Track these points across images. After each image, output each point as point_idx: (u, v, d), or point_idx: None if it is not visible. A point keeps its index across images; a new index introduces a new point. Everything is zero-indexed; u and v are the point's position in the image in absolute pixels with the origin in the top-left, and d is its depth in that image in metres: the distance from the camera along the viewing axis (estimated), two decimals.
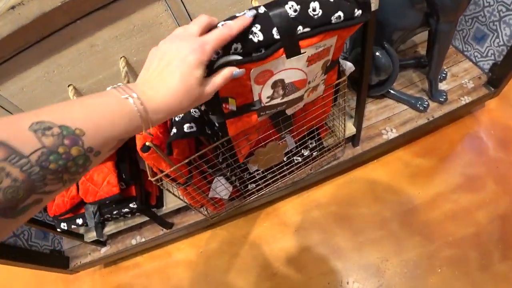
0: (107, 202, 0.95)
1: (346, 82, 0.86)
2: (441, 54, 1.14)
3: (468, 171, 1.31)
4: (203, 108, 0.74)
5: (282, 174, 1.09)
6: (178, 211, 1.26)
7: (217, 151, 0.84)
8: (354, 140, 1.22)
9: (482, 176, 1.28)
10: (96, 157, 0.35)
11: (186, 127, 0.71)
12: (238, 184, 1.03)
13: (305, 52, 0.62)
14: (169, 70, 0.43)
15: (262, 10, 0.57)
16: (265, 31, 0.57)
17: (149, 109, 0.40)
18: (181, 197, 0.92)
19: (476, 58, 1.40)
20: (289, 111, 0.80)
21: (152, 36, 0.61)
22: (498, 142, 1.35)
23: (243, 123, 0.74)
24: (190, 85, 0.44)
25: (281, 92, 0.70)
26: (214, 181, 0.95)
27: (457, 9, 0.99)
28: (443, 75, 1.37)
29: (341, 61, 0.81)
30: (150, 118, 0.40)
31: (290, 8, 0.58)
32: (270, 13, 0.57)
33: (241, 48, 0.57)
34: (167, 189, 0.83)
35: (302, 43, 0.61)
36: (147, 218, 1.13)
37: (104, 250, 1.28)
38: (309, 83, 0.72)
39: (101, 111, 0.36)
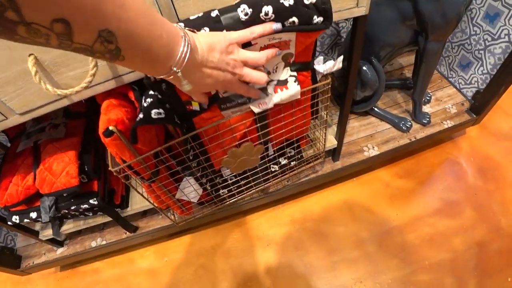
0: (64, 195, 0.87)
1: (328, 92, 0.83)
2: (427, 73, 1.13)
3: (446, 196, 1.29)
4: (167, 106, 0.70)
5: (256, 181, 1.04)
6: (144, 214, 1.19)
7: (187, 146, 0.77)
8: (334, 154, 1.18)
9: (460, 202, 1.26)
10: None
11: (153, 112, 0.66)
12: (208, 188, 0.97)
13: (256, 43, 0.61)
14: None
15: (214, 13, 0.59)
16: (215, 30, 0.58)
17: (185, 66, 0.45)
18: (145, 194, 0.85)
19: (460, 84, 1.40)
20: (254, 108, 0.75)
21: None
22: (477, 169, 1.34)
23: (210, 118, 0.73)
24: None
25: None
26: (183, 181, 0.88)
27: (447, 28, 0.99)
28: (428, 98, 1.37)
29: (316, 66, 0.78)
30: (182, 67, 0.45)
31: (242, 11, 0.58)
32: (222, 17, 0.58)
33: None
34: (129, 183, 0.75)
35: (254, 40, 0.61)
36: (109, 219, 1.05)
37: (60, 251, 1.18)
38: (268, 73, 0.70)
39: (154, 49, 0.41)
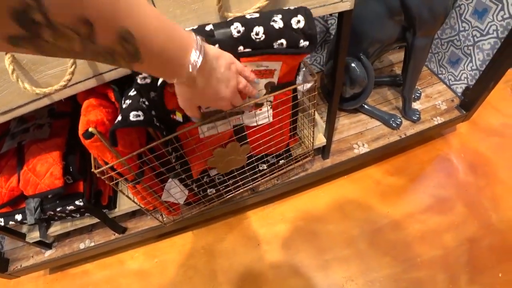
0: (49, 196, 0.85)
1: (316, 89, 0.84)
2: (416, 70, 1.13)
3: (437, 192, 1.28)
4: (153, 112, 0.70)
5: (244, 181, 1.03)
6: (133, 214, 1.17)
7: (169, 147, 0.76)
8: (324, 152, 1.18)
9: (451, 199, 1.26)
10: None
11: (132, 115, 0.65)
12: (195, 188, 0.95)
13: (245, 66, 0.65)
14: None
15: (209, 27, 0.62)
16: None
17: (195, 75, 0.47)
18: (130, 195, 0.83)
19: (450, 81, 1.40)
20: (232, 121, 0.80)
21: None
22: (468, 165, 1.35)
23: (190, 130, 0.75)
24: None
25: None
26: (168, 181, 0.87)
27: (434, 23, 0.98)
28: (417, 94, 1.37)
29: (299, 88, 0.84)
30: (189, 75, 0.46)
31: (235, 28, 0.62)
32: (215, 32, 0.62)
33: None
34: (113, 185, 0.74)
35: (242, 60, 0.66)
36: (97, 220, 1.04)
37: (48, 253, 1.16)
38: (249, 97, 0.74)
39: (170, 53, 0.42)
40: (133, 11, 0.35)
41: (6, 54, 0.56)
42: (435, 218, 1.22)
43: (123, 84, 0.73)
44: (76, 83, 0.64)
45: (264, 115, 0.83)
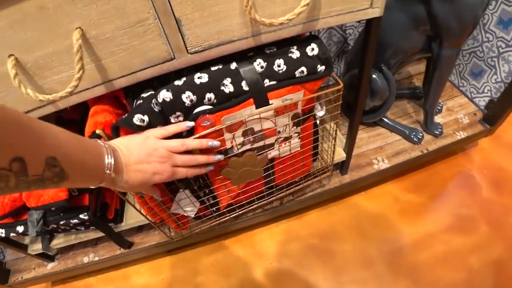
0: (52, 209, 0.81)
1: (339, 99, 0.80)
2: (441, 82, 1.07)
3: (460, 211, 1.21)
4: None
5: (259, 195, 0.97)
6: (140, 229, 1.12)
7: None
8: (342, 167, 1.12)
9: (474, 218, 1.19)
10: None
11: (136, 118, 0.62)
12: (206, 201, 0.90)
13: (272, 103, 0.71)
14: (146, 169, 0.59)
15: (233, 66, 0.67)
16: (235, 83, 0.66)
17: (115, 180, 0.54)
18: (137, 206, 0.78)
19: (472, 94, 1.35)
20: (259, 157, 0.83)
21: (116, 6, 0.50)
22: (491, 182, 1.28)
23: (216, 166, 0.76)
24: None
25: (251, 139, 0.77)
26: (178, 192, 0.82)
27: (462, 34, 0.93)
28: (439, 107, 1.31)
29: (316, 112, 0.86)
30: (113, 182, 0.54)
31: (258, 65, 0.67)
32: (240, 69, 0.67)
33: (214, 98, 0.66)
34: (118, 193, 0.69)
35: (270, 95, 0.70)
36: (102, 234, 0.99)
37: (51, 266, 1.11)
38: (279, 132, 0.79)
39: (88, 174, 0.49)
40: (54, 139, 0.41)
41: (9, 56, 0.52)
42: (458, 239, 1.15)
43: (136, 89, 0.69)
44: (83, 90, 0.59)
45: (294, 146, 0.86)
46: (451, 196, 1.26)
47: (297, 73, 0.70)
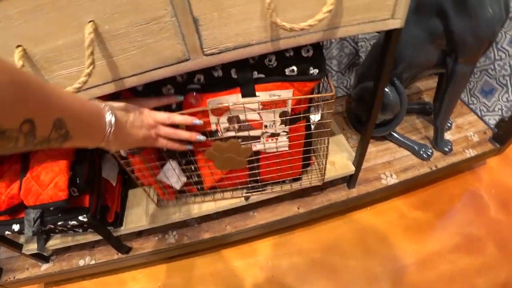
0: (50, 208, 0.78)
1: (332, 107, 0.78)
2: (454, 98, 1.05)
3: (467, 230, 1.19)
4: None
5: (243, 186, 0.98)
6: (139, 234, 1.09)
7: None
8: (350, 181, 1.09)
9: (482, 238, 1.16)
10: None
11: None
12: (191, 178, 0.92)
13: (259, 96, 0.72)
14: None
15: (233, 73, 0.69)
16: (225, 69, 0.69)
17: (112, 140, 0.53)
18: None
19: (482, 112, 1.33)
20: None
21: (132, 1, 0.48)
22: (500, 202, 1.25)
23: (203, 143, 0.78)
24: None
25: (236, 126, 0.78)
26: (167, 164, 0.85)
27: (479, 50, 0.91)
28: (449, 124, 1.29)
29: (311, 116, 0.87)
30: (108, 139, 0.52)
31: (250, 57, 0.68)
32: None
33: (203, 80, 0.70)
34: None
35: (257, 87, 0.71)
36: (100, 237, 0.95)
37: (45, 267, 1.08)
38: (265, 126, 0.80)
39: (90, 129, 0.49)
40: (61, 101, 0.41)
41: (17, 47, 0.50)
42: (464, 259, 1.12)
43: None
44: (92, 87, 0.57)
45: (281, 144, 0.85)
46: (458, 214, 1.23)
47: (287, 71, 0.70)
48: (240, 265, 1.16)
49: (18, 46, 0.50)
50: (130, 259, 1.06)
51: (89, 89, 0.57)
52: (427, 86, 1.46)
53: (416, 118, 1.34)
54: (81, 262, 1.06)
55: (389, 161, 1.19)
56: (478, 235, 1.17)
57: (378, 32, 0.73)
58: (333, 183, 1.12)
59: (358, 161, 1.00)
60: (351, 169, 1.03)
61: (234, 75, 0.70)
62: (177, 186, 0.91)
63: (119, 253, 1.05)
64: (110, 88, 0.58)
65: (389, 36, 0.69)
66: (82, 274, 1.13)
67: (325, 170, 0.96)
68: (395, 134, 1.21)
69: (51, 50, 0.51)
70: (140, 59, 0.54)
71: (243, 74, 0.70)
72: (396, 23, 0.64)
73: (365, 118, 0.90)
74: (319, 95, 0.78)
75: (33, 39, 0.50)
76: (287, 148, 0.87)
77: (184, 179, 0.91)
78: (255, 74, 0.70)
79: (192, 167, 0.89)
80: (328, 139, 0.86)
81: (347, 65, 1.33)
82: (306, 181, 1.00)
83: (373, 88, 0.82)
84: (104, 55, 0.53)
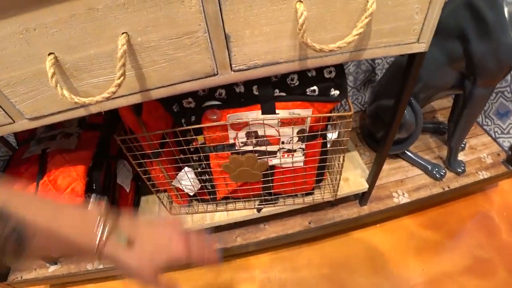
0: None
1: (349, 126, 0.78)
2: (470, 120, 1.05)
3: (478, 253, 1.17)
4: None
5: (256, 197, 0.99)
6: None
7: (188, 136, 0.78)
8: (362, 198, 1.09)
9: (493, 261, 1.15)
10: (25, 259, 0.35)
11: None
12: (205, 187, 0.93)
13: (278, 113, 0.73)
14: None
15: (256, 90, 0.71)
16: (247, 86, 0.70)
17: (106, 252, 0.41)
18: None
19: (496, 133, 1.32)
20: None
21: (167, 15, 0.49)
22: (511, 225, 1.23)
23: (218, 158, 0.82)
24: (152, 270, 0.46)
25: (254, 141, 0.79)
26: (182, 170, 0.86)
27: (498, 74, 0.91)
28: (462, 145, 1.28)
29: (328, 135, 0.87)
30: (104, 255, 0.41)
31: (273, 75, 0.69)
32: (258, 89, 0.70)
33: (225, 94, 0.71)
34: (130, 156, 0.74)
35: (277, 105, 0.72)
36: None
37: (53, 269, 1.08)
38: (282, 142, 0.80)
39: (64, 229, 0.38)
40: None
41: (49, 54, 0.51)
42: (474, 282, 1.10)
43: None
44: (119, 96, 0.58)
45: (297, 160, 0.86)
46: (469, 236, 1.22)
47: (308, 91, 0.71)
48: (248, 277, 1.15)
49: (50, 53, 0.51)
50: None
51: (115, 99, 0.58)
52: (441, 105, 1.45)
53: (429, 137, 1.33)
54: (89, 266, 1.06)
55: (401, 180, 1.18)
56: (488, 258, 1.16)
57: (402, 55, 0.74)
58: (344, 200, 1.12)
59: (372, 179, 1.00)
60: (365, 186, 1.02)
61: (255, 92, 0.71)
62: (190, 192, 0.92)
63: None
64: (136, 99, 0.59)
65: (412, 59, 0.69)
66: (89, 278, 1.13)
67: (338, 186, 0.95)
68: (408, 153, 1.21)
69: (82, 59, 0.52)
70: (169, 72, 0.55)
71: (264, 91, 0.71)
72: (421, 47, 0.65)
73: (382, 137, 0.90)
74: (337, 114, 0.78)
75: (65, 47, 0.50)
76: (302, 164, 0.87)
77: (198, 186, 0.92)
78: (277, 92, 0.71)
79: (207, 176, 0.90)
80: (343, 156, 0.86)
81: (363, 81, 1.33)
82: (319, 196, 1.00)
83: (392, 108, 0.82)
84: (134, 66, 0.54)
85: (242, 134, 0.77)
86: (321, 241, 1.21)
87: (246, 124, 0.74)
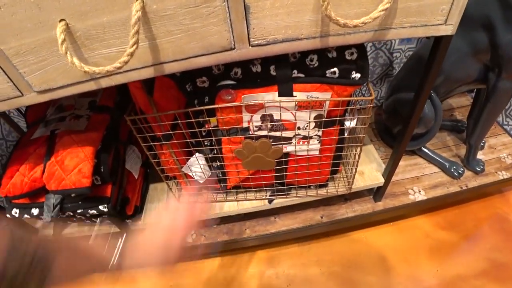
0: (72, 195, 0.76)
1: (370, 112, 0.74)
2: (492, 115, 1.01)
3: (494, 256, 1.12)
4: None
5: (268, 187, 0.96)
6: None
7: (200, 120, 0.76)
8: (377, 193, 1.05)
9: (510, 266, 1.10)
10: None
11: None
12: (218, 174, 0.90)
13: (296, 96, 0.69)
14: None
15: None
16: (264, 65, 0.66)
17: None
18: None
19: None
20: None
21: None
22: None
23: (231, 143, 0.79)
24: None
25: (269, 125, 0.75)
26: (193, 156, 0.84)
27: None
28: (481, 144, 1.23)
29: (346, 122, 0.82)
30: None
31: (291, 54, 0.66)
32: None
33: (240, 74, 0.67)
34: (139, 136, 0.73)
35: (295, 86, 0.68)
36: (117, 230, 0.93)
37: None
38: (298, 128, 0.76)
39: None
40: None
41: (60, 21, 0.48)
42: (490, 286, 1.05)
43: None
44: (131, 69, 0.55)
45: (312, 147, 0.82)
46: (486, 238, 1.17)
47: (328, 73, 0.67)
48: (256, 271, 1.12)
49: (62, 20, 0.48)
50: None
51: (127, 72, 0.55)
52: (459, 103, 1.41)
53: (447, 135, 1.29)
54: None
55: (417, 177, 1.14)
56: (506, 262, 1.11)
57: (427, 38, 0.70)
58: (358, 195, 1.08)
59: (388, 174, 0.96)
60: (381, 181, 0.99)
61: (273, 72, 0.67)
62: (201, 180, 0.89)
63: None
64: (148, 73, 0.56)
65: (437, 43, 0.66)
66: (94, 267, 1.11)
67: (353, 179, 0.92)
68: (425, 149, 1.17)
69: (95, 26, 0.50)
70: (184, 43, 0.52)
71: (282, 71, 0.67)
72: (448, 30, 0.61)
73: (399, 131, 0.87)
74: (358, 98, 0.73)
75: (77, 13, 0.48)
76: (317, 152, 0.84)
77: (208, 173, 0.89)
78: (295, 73, 0.67)
79: (218, 163, 0.87)
80: (361, 147, 0.82)
81: (379, 75, 1.29)
82: (333, 189, 0.97)
83: (410, 101, 0.78)
84: (148, 36, 0.51)
85: (257, 117, 0.73)
86: (332, 238, 1.18)
87: (261, 106, 0.70)
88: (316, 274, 1.10)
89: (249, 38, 0.53)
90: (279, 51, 0.55)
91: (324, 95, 0.69)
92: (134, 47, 0.48)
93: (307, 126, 0.76)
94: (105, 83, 0.57)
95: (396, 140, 0.90)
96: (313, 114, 0.74)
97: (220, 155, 0.83)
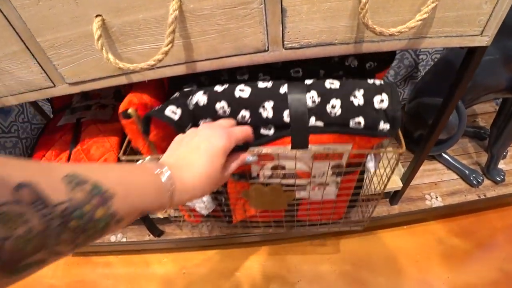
0: None
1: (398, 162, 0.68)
2: None
3: (507, 267, 1.11)
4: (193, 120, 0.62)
5: (277, 223, 0.92)
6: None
7: None
8: (394, 197, 1.05)
9: None
10: (116, 225, 0.34)
11: (168, 109, 0.58)
12: (224, 207, 0.86)
13: (311, 148, 0.61)
14: (198, 153, 0.46)
15: (283, 90, 0.58)
16: (276, 109, 0.57)
17: (177, 189, 0.42)
18: None
19: None
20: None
21: None
22: None
23: (238, 185, 0.73)
24: (215, 169, 0.47)
25: (280, 175, 0.68)
26: None
27: None
28: (504, 153, 1.21)
29: (368, 165, 0.76)
30: (176, 198, 0.42)
31: (310, 97, 0.57)
32: (289, 95, 0.57)
33: (249, 117, 0.58)
34: None
35: (311, 137, 0.59)
36: None
37: None
38: (313, 177, 0.69)
39: (134, 179, 0.37)
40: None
41: (96, 16, 0.49)
42: None
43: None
44: (164, 66, 0.56)
45: (328, 193, 0.76)
46: (500, 249, 1.16)
47: (352, 123, 0.58)
48: (268, 265, 1.14)
49: (98, 15, 0.49)
50: (160, 243, 1.06)
51: (159, 68, 0.56)
52: (483, 110, 1.39)
53: (468, 142, 1.27)
54: (113, 238, 1.07)
55: (435, 182, 1.13)
56: None
57: (462, 48, 0.68)
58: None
59: (407, 179, 0.96)
60: (399, 184, 0.98)
61: (286, 118, 0.58)
62: (204, 212, 0.85)
63: (151, 235, 1.05)
64: (180, 70, 0.57)
65: (471, 54, 0.65)
66: (111, 250, 1.14)
67: (370, 216, 0.88)
68: (445, 156, 1.16)
69: (130, 23, 0.50)
70: (218, 43, 0.53)
71: (298, 119, 0.58)
72: (483, 41, 0.60)
73: (421, 137, 0.86)
74: (384, 150, 0.65)
75: (114, 10, 0.49)
76: (333, 197, 0.77)
77: (212, 207, 0.84)
78: (312, 121, 0.58)
79: (223, 199, 0.82)
80: (383, 188, 0.73)
81: (404, 76, 1.28)
82: (346, 226, 0.96)
83: (435, 107, 0.77)
84: (182, 35, 0.52)
85: (267, 169, 0.66)
86: (344, 237, 1.18)
87: (272, 158, 0.63)
88: (326, 271, 1.11)
89: (283, 41, 0.53)
90: (311, 55, 0.55)
91: (344, 147, 0.61)
92: (170, 45, 0.48)
93: (323, 174, 0.69)
94: (136, 78, 0.58)
95: (416, 144, 0.89)
96: (331, 163, 0.67)
97: (225, 192, 0.78)
